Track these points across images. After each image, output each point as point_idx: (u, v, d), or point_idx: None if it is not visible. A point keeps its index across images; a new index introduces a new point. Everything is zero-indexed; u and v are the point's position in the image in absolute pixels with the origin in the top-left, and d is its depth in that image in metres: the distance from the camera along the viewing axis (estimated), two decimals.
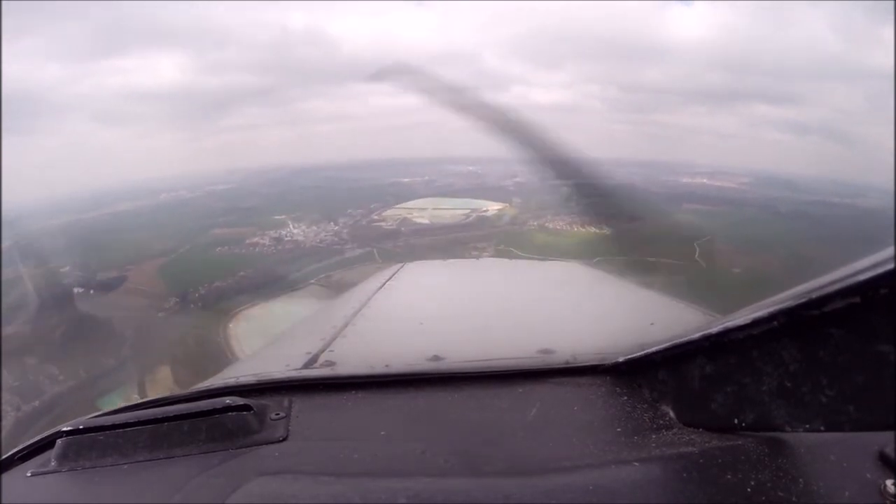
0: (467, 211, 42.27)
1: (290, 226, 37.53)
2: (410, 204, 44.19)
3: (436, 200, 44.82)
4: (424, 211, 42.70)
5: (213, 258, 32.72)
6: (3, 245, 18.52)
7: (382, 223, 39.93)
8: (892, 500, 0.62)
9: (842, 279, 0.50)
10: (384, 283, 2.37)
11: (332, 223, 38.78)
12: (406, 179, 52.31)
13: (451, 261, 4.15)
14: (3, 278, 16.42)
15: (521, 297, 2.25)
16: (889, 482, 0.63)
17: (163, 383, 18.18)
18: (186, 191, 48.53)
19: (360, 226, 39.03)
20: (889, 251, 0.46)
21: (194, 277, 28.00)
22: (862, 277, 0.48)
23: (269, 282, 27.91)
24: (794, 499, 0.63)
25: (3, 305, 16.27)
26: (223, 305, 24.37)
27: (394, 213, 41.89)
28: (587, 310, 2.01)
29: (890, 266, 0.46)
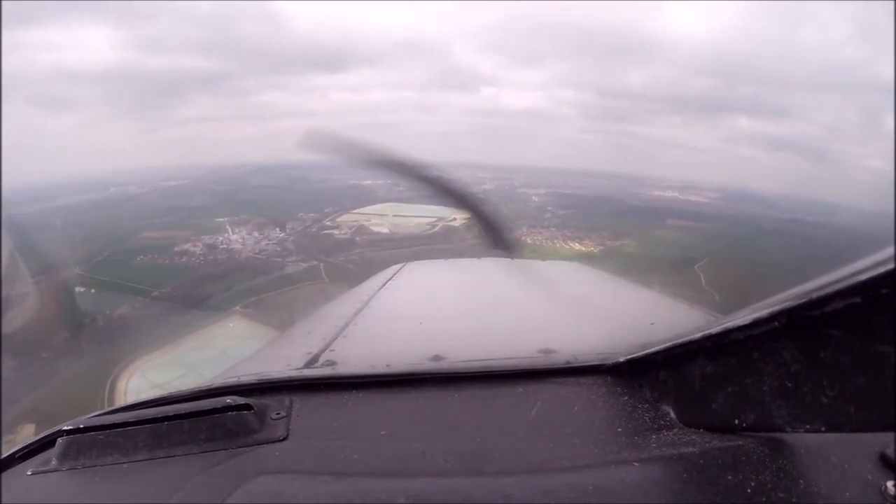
0: (433, 219, 38.56)
1: (229, 231, 34.00)
2: (369, 209, 40.85)
3: (398, 206, 40.41)
4: (384, 218, 39.34)
5: (130, 270, 28.72)
6: None
7: (335, 231, 36.53)
8: (893, 501, 0.64)
9: (842, 279, 0.51)
10: (385, 283, 2.43)
11: (277, 229, 35.32)
12: (367, 181, 48.99)
13: (452, 260, 3.90)
14: None
15: (522, 296, 2.21)
16: (890, 483, 0.65)
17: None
18: (136, 186, 46.47)
19: (308, 233, 35.51)
20: (889, 251, 0.47)
21: (99, 300, 23.59)
22: (862, 277, 0.49)
23: (187, 304, 24.11)
24: (794, 500, 0.65)
25: None
26: (120, 346, 19.88)
27: (349, 220, 38.62)
28: (588, 309, 2.06)
29: (890, 266, 0.46)
